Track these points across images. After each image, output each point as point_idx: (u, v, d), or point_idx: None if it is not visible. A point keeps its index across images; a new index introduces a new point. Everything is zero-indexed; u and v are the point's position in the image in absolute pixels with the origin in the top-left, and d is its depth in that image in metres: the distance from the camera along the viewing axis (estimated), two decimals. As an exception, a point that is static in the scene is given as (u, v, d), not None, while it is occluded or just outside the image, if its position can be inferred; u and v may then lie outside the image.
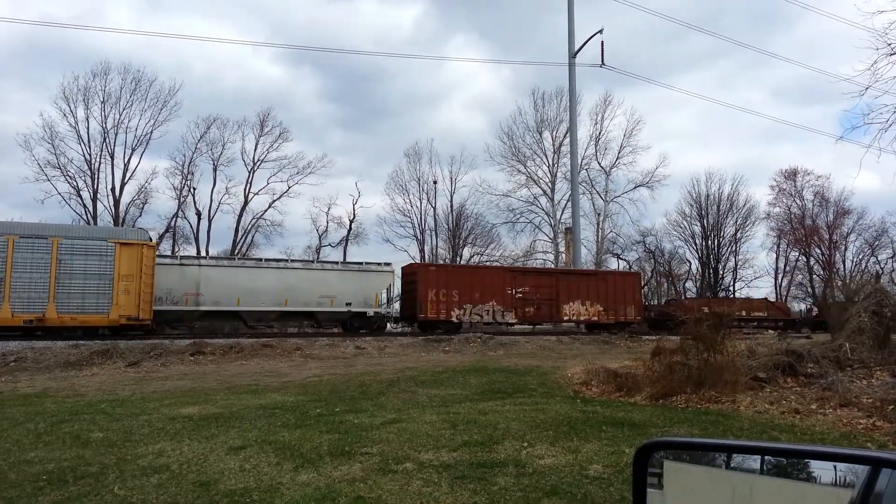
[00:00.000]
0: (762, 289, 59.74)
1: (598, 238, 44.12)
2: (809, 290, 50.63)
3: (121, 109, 40.53)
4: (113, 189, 40.73)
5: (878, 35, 10.08)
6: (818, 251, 53.03)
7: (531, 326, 28.29)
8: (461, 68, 78.17)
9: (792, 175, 52.67)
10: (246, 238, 46.31)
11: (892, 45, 9.94)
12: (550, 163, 43.49)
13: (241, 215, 45.42)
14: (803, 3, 37.67)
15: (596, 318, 27.82)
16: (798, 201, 53.02)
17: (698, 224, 51.94)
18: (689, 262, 52.83)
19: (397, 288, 27.24)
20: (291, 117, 72.42)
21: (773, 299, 42.74)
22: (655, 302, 44.21)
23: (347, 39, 72.55)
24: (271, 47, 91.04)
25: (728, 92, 79.14)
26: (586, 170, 42.81)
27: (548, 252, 44.43)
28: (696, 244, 52.48)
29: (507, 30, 76.94)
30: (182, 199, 43.65)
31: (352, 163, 77.15)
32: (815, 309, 37.22)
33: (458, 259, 47.11)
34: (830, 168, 68.48)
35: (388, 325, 26.63)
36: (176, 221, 43.94)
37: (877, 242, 51.24)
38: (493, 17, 77.82)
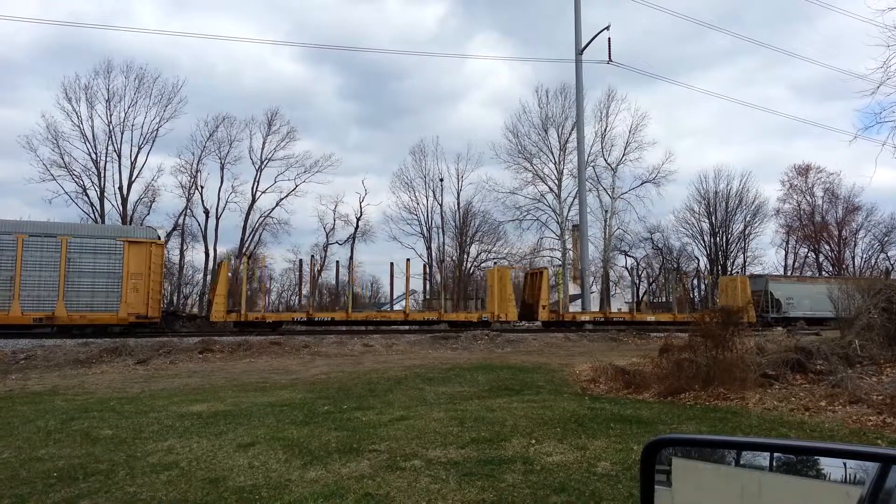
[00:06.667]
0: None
1: (605, 235, 43.96)
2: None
3: (125, 107, 40.75)
4: (120, 187, 40.96)
5: (889, 31, 10.00)
6: (827, 248, 52.79)
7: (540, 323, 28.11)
8: (481, 66, 78.56)
9: (804, 171, 52.47)
10: (253, 236, 46.49)
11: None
12: (556, 160, 43.37)
13: (248, 214, 45.62)
14: (821, 0, 37.28)
15: None
16: (808, 198, 52.81)
17: (706, 221, 51.77)
18: (698, 258, 52.68)
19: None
20: (311, 115, 73.16)
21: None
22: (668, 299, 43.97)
23: (371, 38, 73.10)
24: (293, 46, 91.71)
25: (749, 89, 79.30)
26: (593, 167, 42.61)
27: (555, 249, 44.37)
28: (704, 241, 52.32)
29: (530, 28, 77.22)
30: (190, 198, 43.86)
31: (370, 160, 77.76)
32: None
33: (466, 257, 47.08)
34: (848, 164, 68.41)
35: None
36: (184, 220, 44.14)
37: (886, 239, 51.04)
38: (515, 14, 78.04)
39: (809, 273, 50.61)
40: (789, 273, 49.63)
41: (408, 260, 26.19)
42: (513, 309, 25.72)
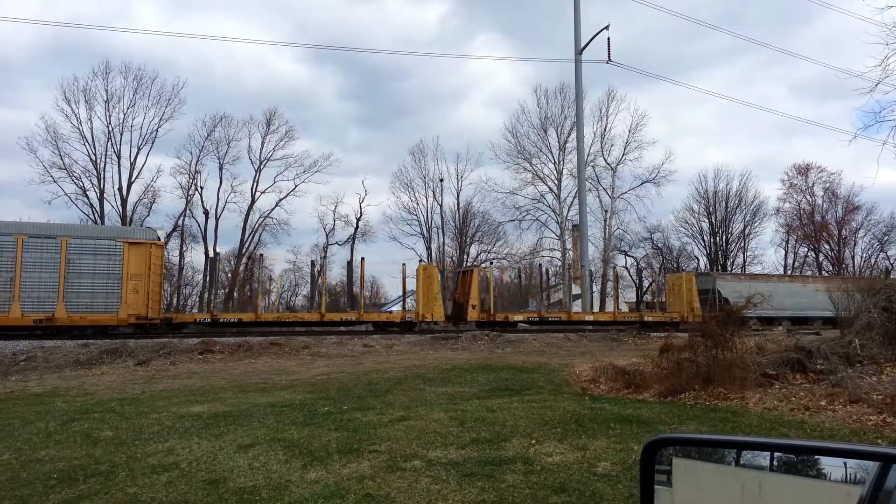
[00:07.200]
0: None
1: (605, 235, 43.98)
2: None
3: (124, 108, 40.76)
4: (120, 189, 40.96)
5: (887, 30, 10.00)
6: (827, 247, 52.81)
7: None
8: (482, 67, 78.70)
9: (805, 170, 52.51)
10: (253, 237, 46.49)
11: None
12: (556, 160, 43.38)
13: (248, 214, 45.61)
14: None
15: None
16: (808, 197, 52.85)
17: (706, 220, 51.80)
18: (698, 258, 52.67)
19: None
20: (311, 115, 73.22)
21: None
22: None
23: (372, 38, 73.28)
24: (293, 47, 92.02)
25: (748, 88, 79.33)
26: (592, 166, 42.64)
27: (555, 249, 44.38)
28: (703, 241, 52.35)
29: (530, 28, 77.33)
30: (189, 198, 43.87)
31: (369, 160, 77.93)
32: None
33: (466, 257, 47.06)
34: (849, 163, 68.54)
35: None
36: (184, 220, 44.13)
37: (886, 238, 50.99)
38: (516, 15, 78.13)
39: (809, 272, 50.64)
40: (789, 272, 49.62)
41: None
42: (439, 309, 24.78)
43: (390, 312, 27.09)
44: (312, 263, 29.41)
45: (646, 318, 28.16)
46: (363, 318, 24.61)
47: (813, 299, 30.92)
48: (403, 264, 26.35)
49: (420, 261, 25.56)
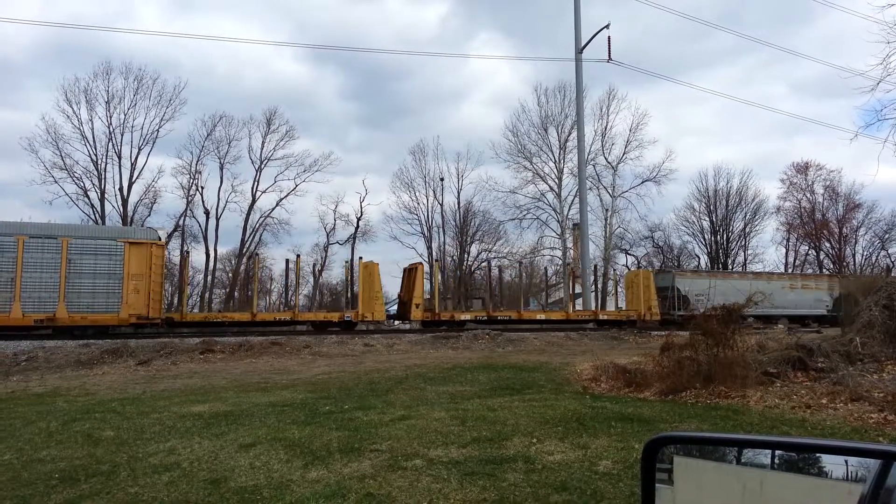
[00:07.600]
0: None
1: (605, 234, 43.98)
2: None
3: (125, 108, 40.71)
4: (121, 189, 40.91)
5: (888, 28, 9.99)
6: (828, 245, 52.79)
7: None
8: (482, 66, 78.64)
9: (804, 168, 52.46)
10: (254, 237, 46.46)
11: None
12: (556, 159, 43.37)
13: (248, 214, 45.57)
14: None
15: None
16: (808, 195, 52.82)
17: (707, 219, 51.78)
18: (698, 257, 52.65)
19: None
20: (311, 115, 73.18)
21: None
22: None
23: (372, 38, 73.24)
24: (294, 47, 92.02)
25: (749, 87, 79.19)
26: (593, 165, 42.64)
27: (555, 248, 44.39)
28: (704, 239, 52.32)
29: (530, 28, 77.27)
30: (190, 198, 43.84)
31: (370, 160, 77.97)
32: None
33: (467, 256, 47.07)
34: (850, 161, 68.50)
35: None
36: (184, 220, 44.09)
37: (887, 236, 50.98)
38: (516, 14, 78.04)
39: (810, 270, 50.63)
40: (790, 270, 49.59)
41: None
42: (380, 308, 24.25)
43: (327, 311, 26.75)
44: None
45: (601, 317, 27.86)
46: (298, 318, 24.21)
47: (781, 297, 30.73)
48: (346, 261, 25.98)
49: (360, 258, 25.06)
